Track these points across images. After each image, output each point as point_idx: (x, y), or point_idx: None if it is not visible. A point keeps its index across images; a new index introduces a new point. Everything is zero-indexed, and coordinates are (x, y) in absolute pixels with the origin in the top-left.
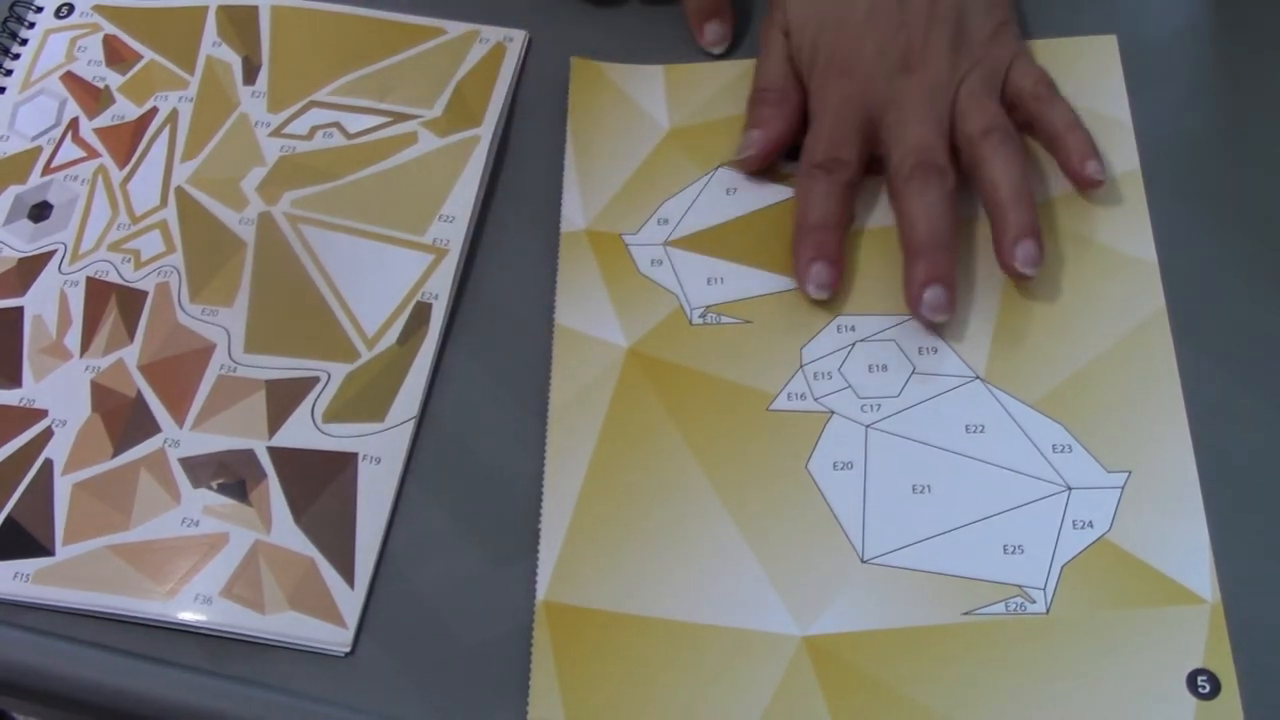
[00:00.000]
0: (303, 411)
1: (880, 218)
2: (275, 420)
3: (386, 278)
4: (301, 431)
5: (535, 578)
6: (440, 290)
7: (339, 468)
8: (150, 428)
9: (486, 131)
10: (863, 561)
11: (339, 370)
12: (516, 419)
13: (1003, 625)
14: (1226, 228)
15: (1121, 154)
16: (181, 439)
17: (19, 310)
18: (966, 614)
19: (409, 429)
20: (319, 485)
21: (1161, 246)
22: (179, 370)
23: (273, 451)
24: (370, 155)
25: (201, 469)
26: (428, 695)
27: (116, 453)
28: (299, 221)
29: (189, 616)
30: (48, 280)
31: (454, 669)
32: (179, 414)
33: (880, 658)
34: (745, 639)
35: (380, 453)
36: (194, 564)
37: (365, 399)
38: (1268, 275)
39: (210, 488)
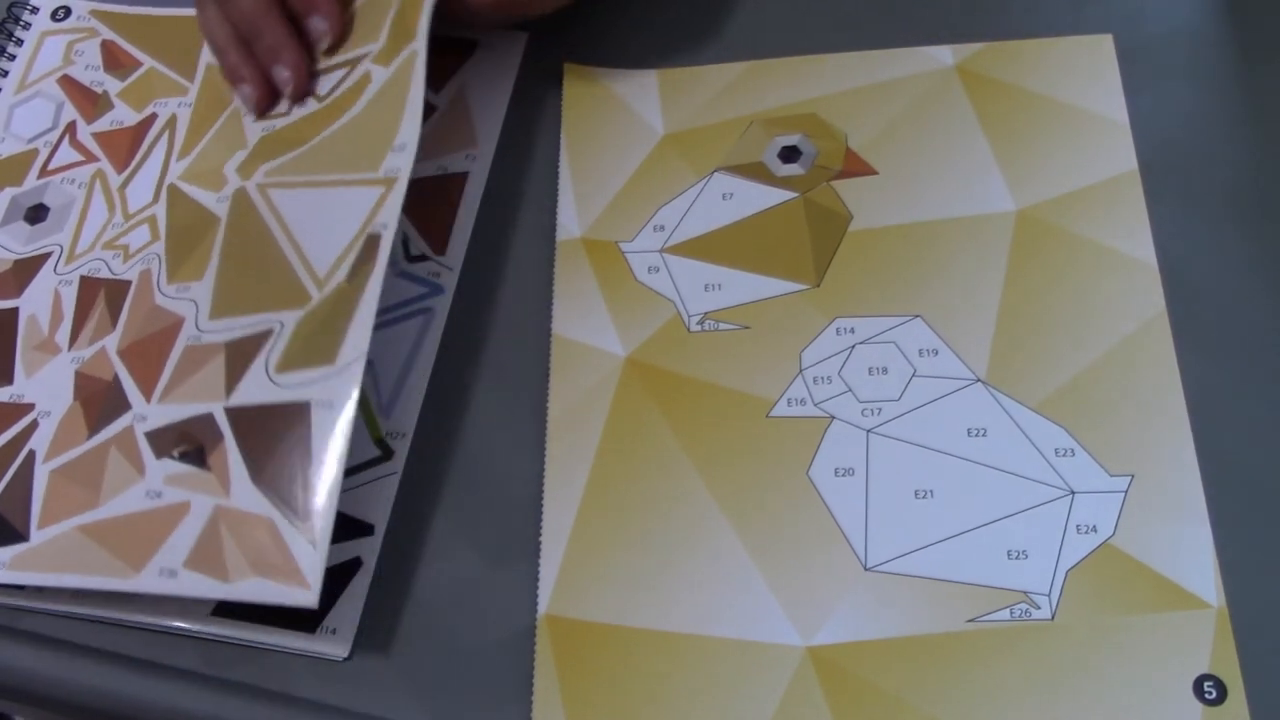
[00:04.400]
0: (257, 366)
1: (879, 217)
2: (232, 380)
3: (341, 218)
4: (255, 387)
5: (534, 583)
6: (389, 219)
7: (293, 419)
8: (122, 406)
9: (421, 44)
10: (866, 569)
11: (291, 318)
12: (515, 428)
13: (1008, 632)
14: (1226, 228)
15: (1119, 154)
16: (148, 414)
17: (14, 311)
18: (971, 621)
19: (359, 369)
20: (274, 441)
21: (1161, 247)
22: (151, 349)
23: (229, 412)
24: (337, 111)
25: (163, 439)
26: (426, 701)
27: (91, 435)
28: (269, 188)
29: (156, 589)
30: (43, 281)
31: (452, 675)
32: (148, 390)
33: (885, 667)
34: (748, 651)
35: (331, 397)
36: (157, 537)
37: (315, 343)
38: (1268, 275)
39: (172, 457)
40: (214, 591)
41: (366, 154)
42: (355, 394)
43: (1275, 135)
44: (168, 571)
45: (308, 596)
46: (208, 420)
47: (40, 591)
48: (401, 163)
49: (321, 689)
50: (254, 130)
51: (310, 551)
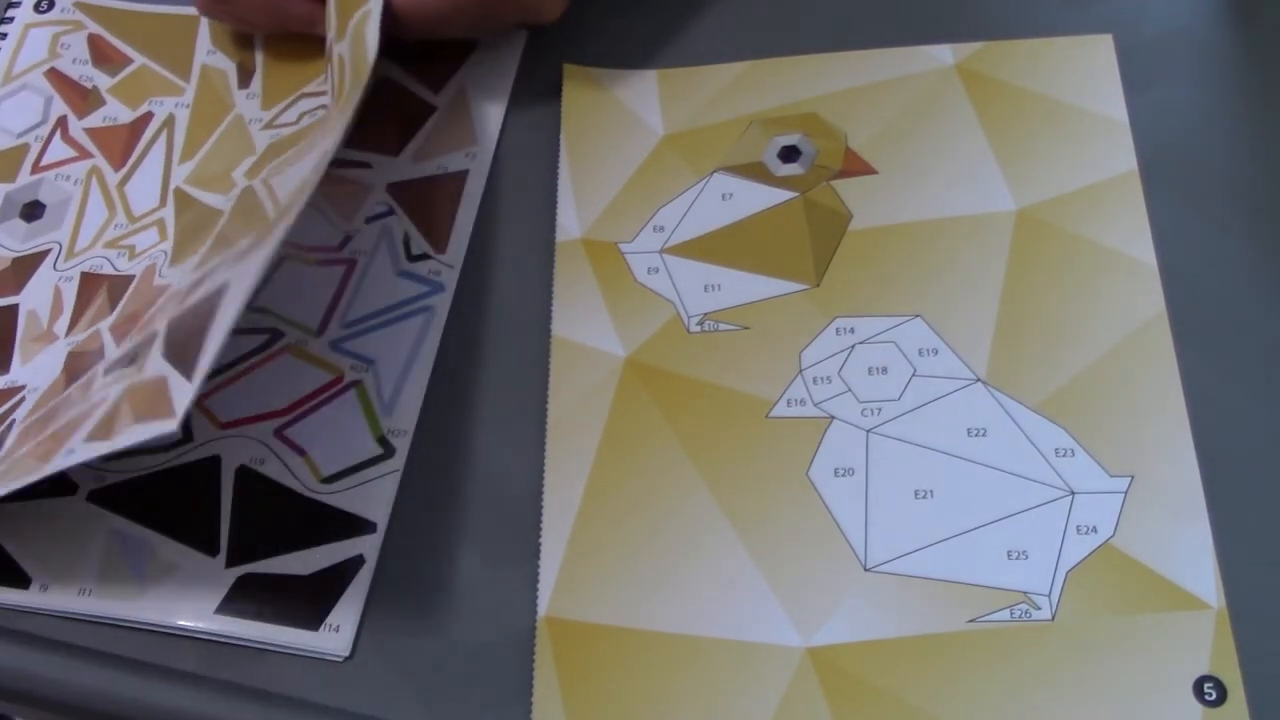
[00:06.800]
0: (209, 280)
1: (878, 217)
2: (185, 299)
3: (312, 164)
4: (200, 292)
5: (534, 583)
6: (338, 132)
7: (215, 299)
8: (97, 360)
9: (375, 3)
10: (865, 570)
11: (250, 237)
12: (515, 428)
13: (1008, 633)
14: (1226, 228)
15: (1119, 154)
16: (116, 356)
17: (14, 308)
18: (971, 621)
19: (286, 224)
20: (193, 321)
21: (1161, 247)
22: (136, 317)
23: (170, 320)
24: (333, 105)
25: (114, 364)
26: (426, 701)
27: (65, 389)
28: (270, 178)
29: (56, 468)
30: (43, 278)
31: (452, 675)
32: (121, 340)
33: (885, 667)
34: (748, 652)
35: (251, 265)
36: (75, 429)
37: (257, 240)
38: (1268, 276)
39: (114, 370)
40: (100, 451)
41: (344, 110)
42: (275, 244)
43: (1276, 135)
44: (68, 451)
45: (169, 424)
46: (152, 335)
47: (46, 571)
48: (360, 93)
49: (322, 689)
50: (262, 138)
51: (185, 387)
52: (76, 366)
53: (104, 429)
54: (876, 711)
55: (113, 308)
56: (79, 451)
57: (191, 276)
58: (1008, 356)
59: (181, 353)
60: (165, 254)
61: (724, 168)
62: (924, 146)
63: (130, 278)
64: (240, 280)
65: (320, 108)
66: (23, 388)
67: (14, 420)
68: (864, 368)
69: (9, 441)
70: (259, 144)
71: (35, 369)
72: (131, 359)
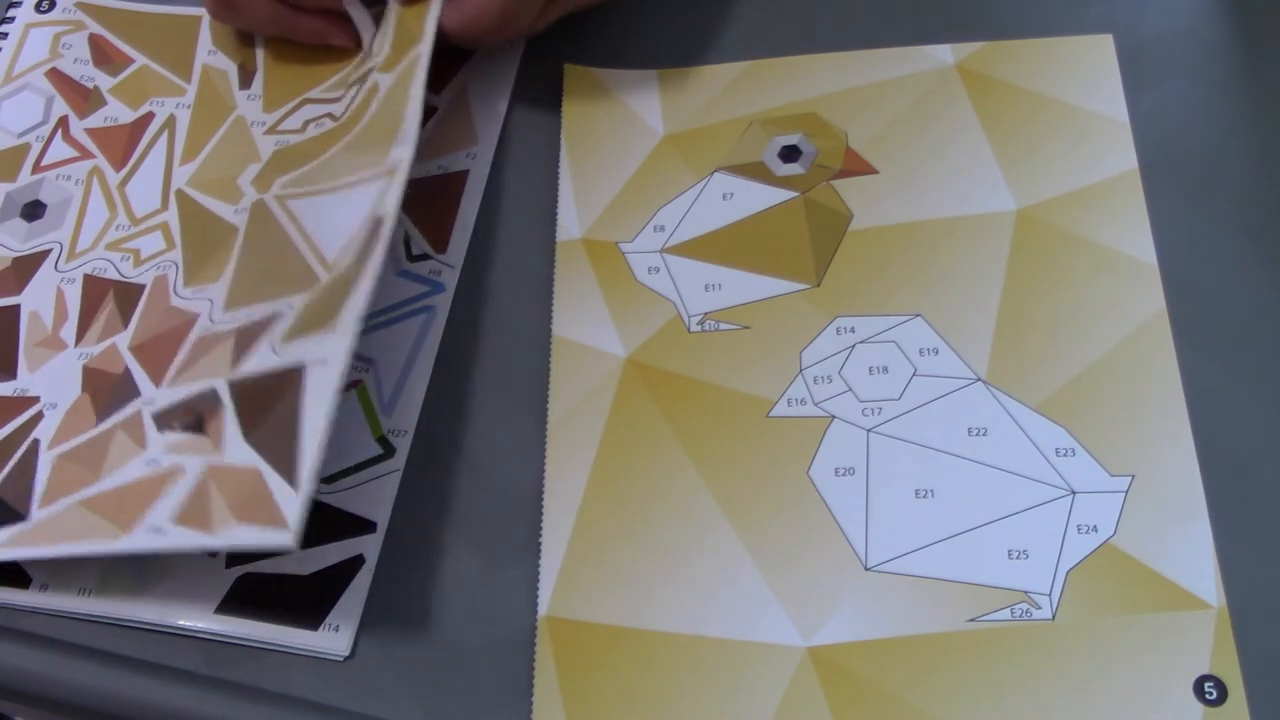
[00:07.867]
0: (263, 343)
1: (878, 217)
2: (238, 359)
3: (351, 212)
4: (259, 360)
5: (534, 583)
6: (390, 204)
7: (290, 382)
8: (131, 394)
9: (426, 47)
10: (866, 569)
11: (300, 300)
12: (515, 428)
13: (1009, 632)
14: (1226, 228)
15: (1119, 154)
16: (157, 397)
17: (15, 308)
18: (972, 621)
19: (356, 328)
20: (269, 402)
21: (1161, 247)
22: (164, 343)
23: (231, 385)
24: (349, 125)
25: (168, 415)
26: (426, 701)
27: (99, 421)
28: (287, 199)
29: (144, 546)
30: (44, 278)
31: (452, 675)
32: (157, 378)
33: (886, 667)
34: (749, 651)
35: (326, 354)
36: (150, 499)
37: (317, 316)
38: (1268, 275)
39: (173, 429)
40: (200, 543)
41: (374, 153)
42: (348, 348)
43: (1276, 135)
44: (155, 529)
45: (284, 536)
46: (211, 394)
47: (46, 571)
48: (404, 154)
49: (322, 689)
50: (266, 143)
51: (291, 495)
52: (100, 387)
53: (197, 514)
54: (876, 711)
55: (124, 320)
56: (171, 535)
57: (226, 318)
58: (1008, 356)
59: (271, 446)
60: (176, 266)
61: (724, 167)
62: (924, 146)
63: (138, 286)
64: (324, 376)
65: (327, 116)
66: (36, 399)
67: (37, 439)
68: (864, 367)
69: (41, 470)
70: (262, 149)
71: (48, 380)
72: (196, 418)
